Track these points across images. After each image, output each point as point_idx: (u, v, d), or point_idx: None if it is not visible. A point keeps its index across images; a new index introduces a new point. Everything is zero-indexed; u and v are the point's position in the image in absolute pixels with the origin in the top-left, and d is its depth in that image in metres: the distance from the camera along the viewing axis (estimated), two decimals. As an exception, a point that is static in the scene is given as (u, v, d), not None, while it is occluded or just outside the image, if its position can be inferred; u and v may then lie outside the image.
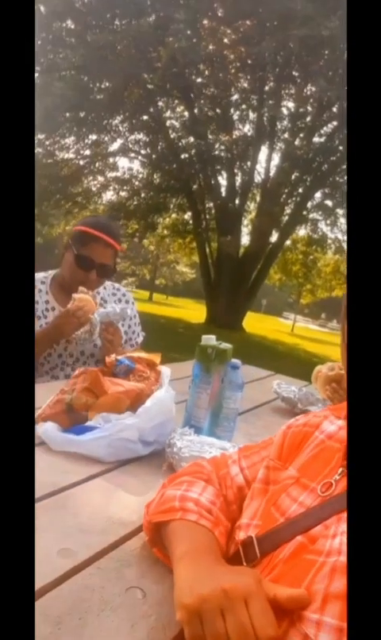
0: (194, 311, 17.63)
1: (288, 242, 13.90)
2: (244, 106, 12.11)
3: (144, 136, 13.18)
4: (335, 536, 0.48)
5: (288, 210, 12.51)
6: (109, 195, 14.39)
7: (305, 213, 12.91)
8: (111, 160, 13.83)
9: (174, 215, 14.65)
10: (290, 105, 11.88)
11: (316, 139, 11.71)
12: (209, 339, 1.07)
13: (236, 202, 12.55)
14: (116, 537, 0.68)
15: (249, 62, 10.47)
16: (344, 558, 0.45)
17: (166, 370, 1.14)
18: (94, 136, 12.82)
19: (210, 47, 10.19)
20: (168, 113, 13.06)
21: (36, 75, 11.12)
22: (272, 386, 1.55)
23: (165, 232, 15.47)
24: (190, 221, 13.76)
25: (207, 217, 13.05)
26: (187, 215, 14.04)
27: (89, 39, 9.74)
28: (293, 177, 11.71)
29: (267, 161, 12.27)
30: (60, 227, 15.08)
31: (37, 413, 1.00)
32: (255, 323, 16.86)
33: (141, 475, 0.90)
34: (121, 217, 13.14)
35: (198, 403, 1.06)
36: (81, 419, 0.97)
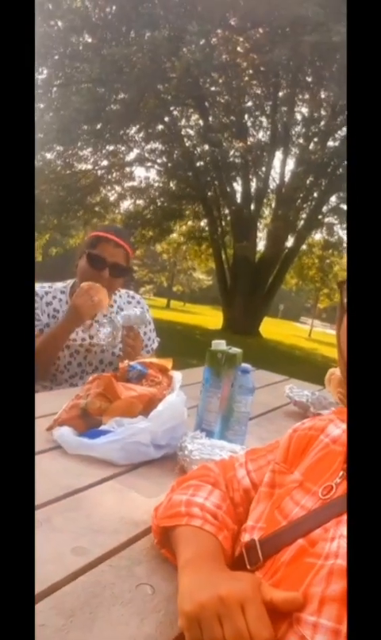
0: (212, 317, 17.58)
1: (304, 247, 13.78)
2: (257, 113, 12.14)
3: (160, 145, 13.30)
4: (333, 539, 0.49)
5: (303, 215, 12.43)
6: (126, 204, 14.60)
7: (320, 217, 12.80)
8: (128, 169, 14.01)
9: (190, 222, 14.73)
10: (304, 110, 11.88)
11: (330, 143, 11.64)
12: (219, 344, 1.09)
13: (252, 207, 12.53)
14: (127, 537, 0.70)
15: (262, 69, 10.50)
16: (341, 561, 0.46)
17: (177, 375, 1.16)
18: (110, 147, 12.98)
19: (223, 56, 10.27)
20: (183, 122, 13.16)
21: (54, 89, 11.42)
22: (285, 390, 1.55)
23: (181, 239, 15.56)
24: (206, 228, 13.81)
25: (223, 223, 13.06)
26: (203, 222, 14.10)
27: (105, 52, 9.93)
28: (308, 182, 11.65)
29: (281, 166, 12.24)
30: (79, 237, 15.29)
31: (54, 418, 1.03)
32: (272, 328, 16.71)
33: (153, 477, 0.92)
34: (139, 226, 13.28)
35: (208, 407, 1.08)
36: (95, 423, 1.00)
